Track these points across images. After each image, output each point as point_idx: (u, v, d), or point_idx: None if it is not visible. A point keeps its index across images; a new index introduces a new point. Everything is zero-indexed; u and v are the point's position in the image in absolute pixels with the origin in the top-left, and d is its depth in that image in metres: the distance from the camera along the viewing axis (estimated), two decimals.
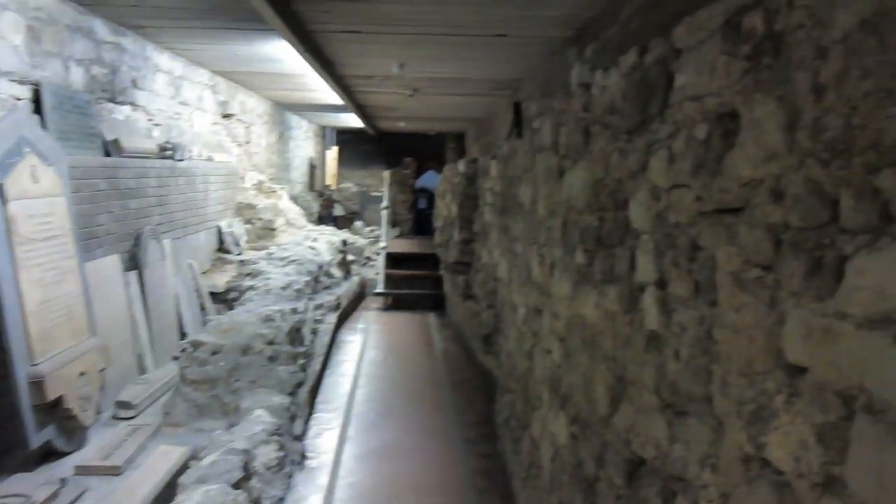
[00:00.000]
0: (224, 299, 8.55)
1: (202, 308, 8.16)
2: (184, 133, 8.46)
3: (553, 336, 3.60)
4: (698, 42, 2.01)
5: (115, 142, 6.18)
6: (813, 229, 1.38)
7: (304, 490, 4.33)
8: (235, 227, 9.74)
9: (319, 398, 6.08)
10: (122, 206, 6.22)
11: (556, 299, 3.57)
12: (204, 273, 8.81)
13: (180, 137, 8.20)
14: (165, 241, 7.16)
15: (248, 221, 10.47)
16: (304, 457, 4.77)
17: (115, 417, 5.20)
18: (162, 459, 4.05)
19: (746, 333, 1.57)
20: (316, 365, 6.45)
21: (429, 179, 23.71)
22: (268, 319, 5.64)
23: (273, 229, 10.51)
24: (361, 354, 7.65)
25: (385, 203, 10.82)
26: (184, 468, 4.12)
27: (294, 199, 15.44)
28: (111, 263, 5.90)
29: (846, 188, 1.28)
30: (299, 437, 4.94)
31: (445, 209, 9.70)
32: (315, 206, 18.36)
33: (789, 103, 1.50)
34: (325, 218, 18.85)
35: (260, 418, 4.47)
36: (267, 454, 4.27)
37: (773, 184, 1.53)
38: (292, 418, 4.99)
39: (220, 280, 8.70)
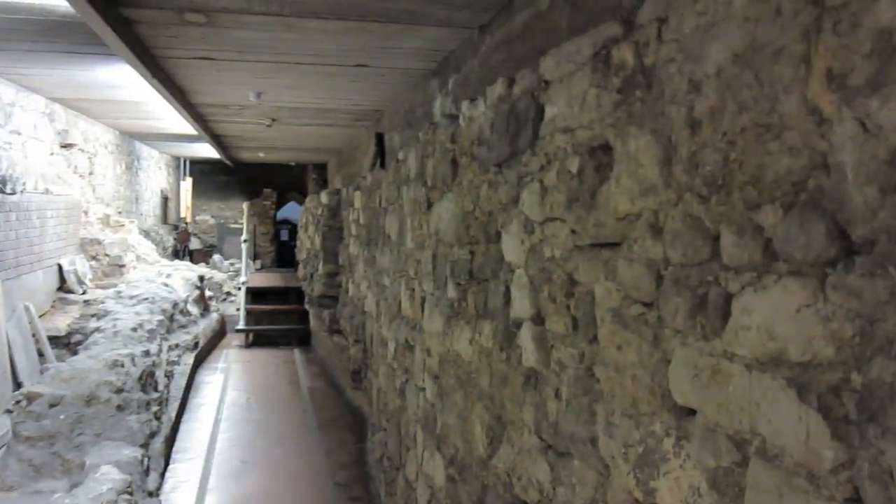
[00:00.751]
0: (66, 343, 7.84)
1: (40, 354, 7.43)
2: (16, 164, 7.74)
3: (426, 373, 3.50)
4: (567, 74, 1.98)
5: None
6: (694, 265, 1.35)
7: None
8: (79, 265, 9.01)
9: (176, 447, 5.65)
10: None
11: (428, 335, 3.47)
12: (42, 315, 8.05)
13: (12, 169, 7.49)
14: None
15: (94, 258, 9.73)
16: None
17: None
18: None
19: (630, 372, 1.53)
20: (172, 411, 6.00)
21: (290, 210, 23.24)
22: (115, 365, 5.19)
23: (122, 266, 9.81)
24: (222, 396, 7.23)
25: (245, 235, 10.38)
26: None
27: (146, 232, 14.58)
28: None
29: (727, 224, 1.26)
30: (154, 493, 4.53)
31: (308, 241, 9.43)
32: (169, 240, 17.44)
33: (664, 137, 1.48)
34: (180, 252, 17.94)
35: (107, 476, 4.06)
36: None
37: (651, 218, 1.50)
38: (146, 472, 4.58)
39: (62, 322, 7.99)
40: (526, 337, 2.16)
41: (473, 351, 2.68)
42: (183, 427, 6.15)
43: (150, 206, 16.17)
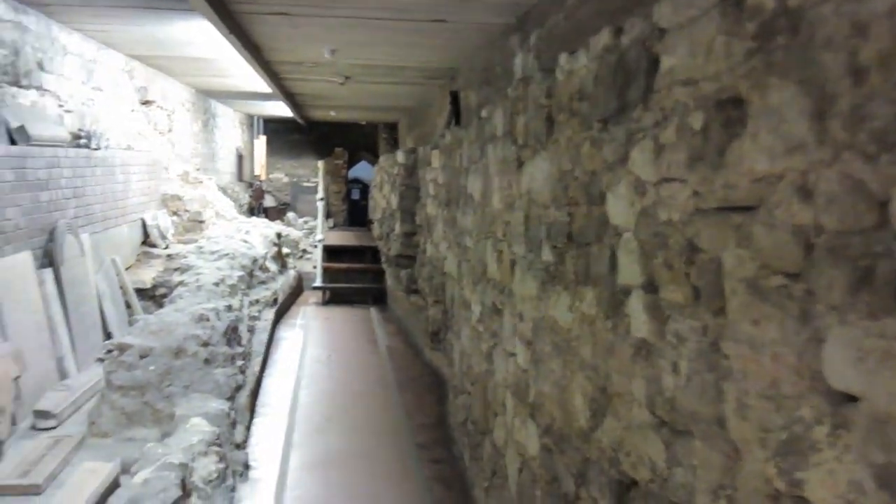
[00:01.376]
0: (151, 296, 8.09)
1: (128, 306, 7.68)
2: (99, 120, 7.92)
3: (517, 338, 3.40)
4: (689, 20, 1.81)
5: (21, 129, 5.68)
6: (856, 234, 1.20)
7: None
8: (161, 220, 9.23)
9: (260, 402, 5.76)
10: (33, 199, 5.73)
11: (519, 299, 3.37)
12: (128, 268, 8.31)
13: (95, 125, 7.66)
14: (84, 236, 6.68)
15: (175, 213, 9.96)
16: (247, 467, 4.46)
17: (34, 428, 4.78)
18: (88, 477, 3.69)
19: (769, 350, 1.39)
20: (255, 366, 6.11)
21: (361, 170, 23.34)
22: (201, 318, 5.28)
23: (201, 221, 10.03)
24: (303, 352, 7.34)
25: (320, 193, 10.45)
26: (114, 486, 3.79)
27: (222, 189, 14.87)
28: (22, 261, 5.43)
29: None
30: (241, 446, 4.62)
31: (384, 201, 9.42)
32: (244, 198, 17.76)
33: (816, 88, 1.31)
34: (255, 209, 18.27)
35: (197, 427, 4.15)
36: (206, 467, 3.95)
37: (797, 180, 1.34)
38: (232, 425, 4.66)
39: (147, 276, 8.23)
40: (636, 305, 2.03)
41: (573, 318, 2.56)
42: (266, 382, 6.27)
43: (226, 163, 16.46)
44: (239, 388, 5.19)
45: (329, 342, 7.85)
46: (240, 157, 18.40)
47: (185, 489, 3.47)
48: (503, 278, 3.73)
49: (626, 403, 2.08)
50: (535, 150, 3.13)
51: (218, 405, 4.56)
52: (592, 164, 2.40)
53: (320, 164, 10.50)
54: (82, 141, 6.82)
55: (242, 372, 5.45)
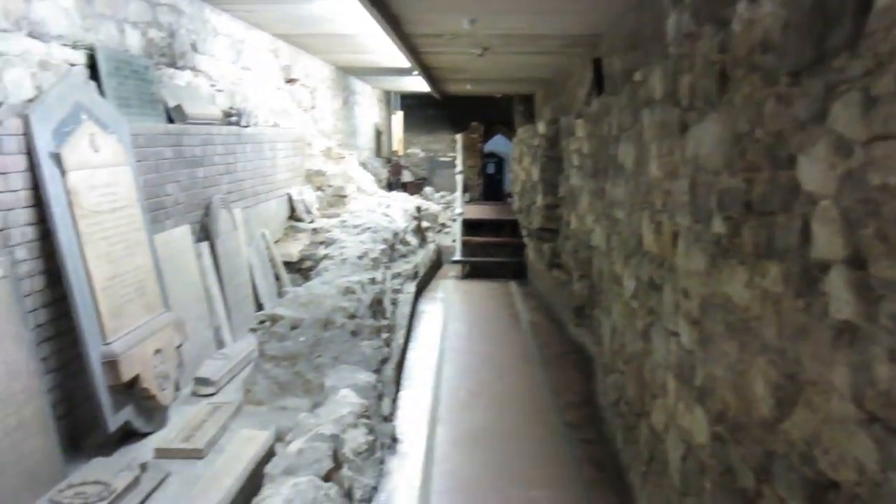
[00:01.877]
0: (298, 269, 8.28)
1: (277, 278, 7.90)
2: (248, 99, 8.13)
3: (681, 317, 3.09)
4: None
5: (179, 108, 5.86)
6: None
7: (397, 478, 3.96)
8: (306, 195, 9.43)
9: (404, 375, 5.72)
10: (190, 175, 5.93)
11: (683, 274, 3.05)
12: (276, 242, 8.54)
13: (244, 103, 7.87)
14: (236, 210, 6.88)
15: (319, 188, 10.16)
16: (394, 440, 4.41)
17: (195, 394, 4.95)
18: (246, 445, 3.74)
19: None
20: (399, 338, 6.08)
21: (496, 144, 23.18)
22: (348, 291, 5.27)
23: (344, 196, 10.18)
24: (444, 326, 7.27)
25: (459, 167, 10.35)
26: (269, 455, 3.81)
27: (362, 165, 15.12)
28: (181, 234, 5.62)
29: None
30: (388, 419, 4.57)
31: (524, 173, 9.19)
32: (383, 173, 18.03)
33: None
34: (393, 184, 18.52)
35: (346, 399, 4.12)
36: (356, 439, 3.92)
37: None
38: (379, 397, 4.63)
39: (294, 249, 8.43)
40: (837, 283, 1.69)
41: (752, 296, 2.24)
42: (409, 355, 6.23)
43: (365, 139, 16.74)
44: (385, 360, 5.15)
45: (470, 316, 7.74)
46: (378, 133, 18.69)
47: (337, 461, 3.42)
48: (662, 251, 3.41)
49: (823, 393, 1.76)
50: (704, 111, 2.79)
51: (365, 377, 4.53)
52: (778, 123, 2.06)
53: (459, 137, 10.37)
54: (233, 119, 7.02)
55: (387, 345, 5.42)
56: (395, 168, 18.76)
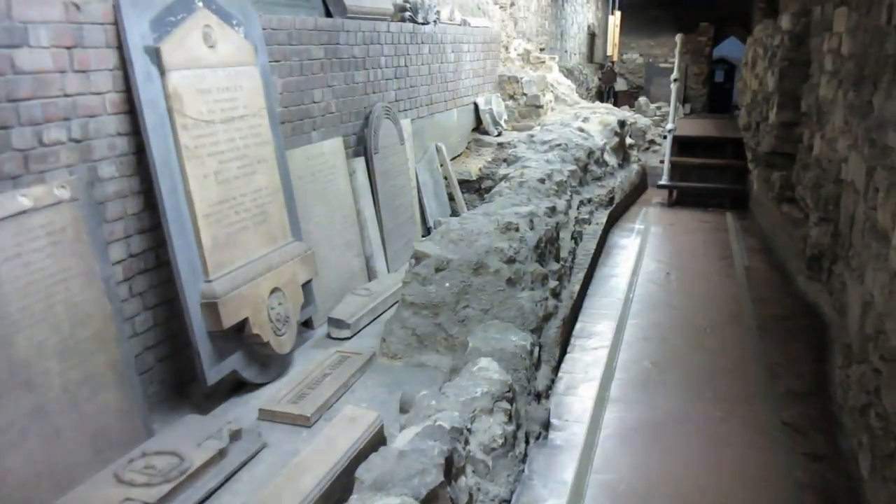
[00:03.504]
0: (476, 188, 7.42)
1: (451, 199, 7.11)
2: None
3: None
4: None
5: None
6: None
7: (539, 487, 3.03)
8: (495, 104, 8.44)
9: (576, 331, 4.70)
10: (347, 79, 5.16)
11: None
12: (456, 158, 7.71)
13: None
14: (405, 121, 6.08)
15: (511, 97, 9.12)
16: (547, 427, 3.46)
17: (329, 336, 4.33)
18: (346, 428, 2.99)
19: None
20: (575, 284, 5.04)
21: (728, 48, 20.42)
22: (508, 228, 4.31)
23: (539, 106, 9.06)
24: (636, 267, 6.08)
25: (675, 74, 8.72)
26: (377, 440, 3.04)
27: (569, 71, 13.74)
28: (331, 149, 4.92)
29: None
30: (542, 396, 3.63)
31: (756, 81, 7.45)
32: (593, 80, 16.47)
33: None
34: (604, 93, 16.91)
35: (485, 373, 3.22)
36: (489, 430, 3.02)
37: None
38: (535, 366, 3.69)
39: (474, 166, 7.56)
40: None
41: None
42: (586, 305, 5.17)
43: (576, 42, 15.22)
44: (549, 316, 4.17)
45: (671, 255, 6.46)
46: (591, 36, 17.01)
47: (452, 470, 2.55)
48: None
49: None
50: None
51: (519, 339, 3.59)
52: None
53: (678, 38, 8.70)
54: (407, 14, 6.13)
55: (556, 295, 4.41)
56: (608, 75, 17.08)
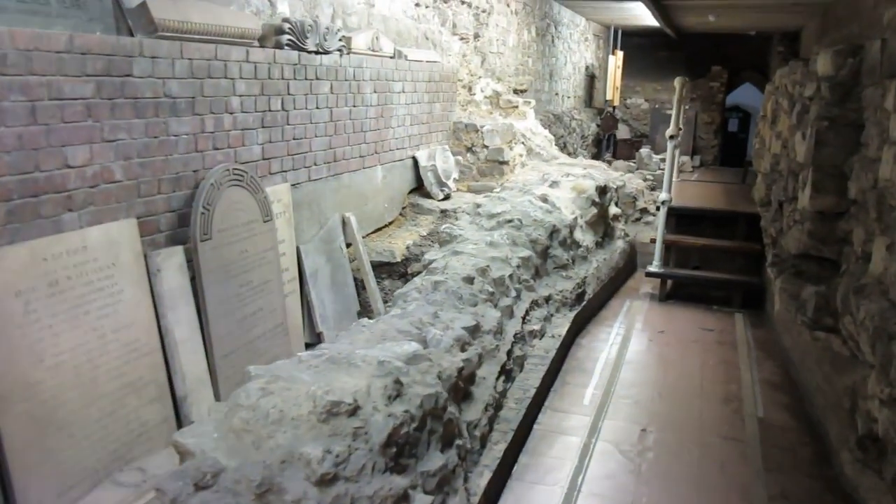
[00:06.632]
0: (402, 274, 5.58)
1: (363, 288, 5.29)
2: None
3: None
4: None
5: (141, 7, 3.32)
6: None
7: None
8: (440, 160, 6.65)
9: None
10: (153, 130, 3.37)
11: None
12: (380, 230, 5.91)
13: (318, 11, 5.17)
14: (277, 188, 4.30)
15: (469, 149, 7.33)
16: None
17: None
18: None
19: None
20: (482, 474, 3.15)
21: (743, 95, 18.76)
22: (335, 413, 2.44)
23: (503, 162, 7.26)
24: (598, 418, 4.20)
25: (672, 128, 6.83)
26: None
27: (556, 118, 11.99)
28: (105, 238, 3.12)
29: None
30: None
31: (778, 143, 5.60)
32: (591, 127, 14.73)
33: None
34: (603, 141, 15.16)
35: None
36: None
37: None
38: None
39: (402, 243, 5.73)
40: None
41: None
42: (505, 498, 3.27)
43: (570, 84, 13.47)
44: None
45: (653, 390, 4.57)
46: (591, 78, 15.30)
47: None
48: None
49: None
50: None
51: None
52: None
53: (677, 82, 6.84)
54: (285, 39, 4.33)
55: None
56: (608, 121, 15.33)
